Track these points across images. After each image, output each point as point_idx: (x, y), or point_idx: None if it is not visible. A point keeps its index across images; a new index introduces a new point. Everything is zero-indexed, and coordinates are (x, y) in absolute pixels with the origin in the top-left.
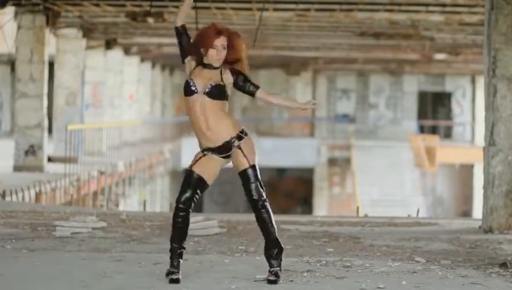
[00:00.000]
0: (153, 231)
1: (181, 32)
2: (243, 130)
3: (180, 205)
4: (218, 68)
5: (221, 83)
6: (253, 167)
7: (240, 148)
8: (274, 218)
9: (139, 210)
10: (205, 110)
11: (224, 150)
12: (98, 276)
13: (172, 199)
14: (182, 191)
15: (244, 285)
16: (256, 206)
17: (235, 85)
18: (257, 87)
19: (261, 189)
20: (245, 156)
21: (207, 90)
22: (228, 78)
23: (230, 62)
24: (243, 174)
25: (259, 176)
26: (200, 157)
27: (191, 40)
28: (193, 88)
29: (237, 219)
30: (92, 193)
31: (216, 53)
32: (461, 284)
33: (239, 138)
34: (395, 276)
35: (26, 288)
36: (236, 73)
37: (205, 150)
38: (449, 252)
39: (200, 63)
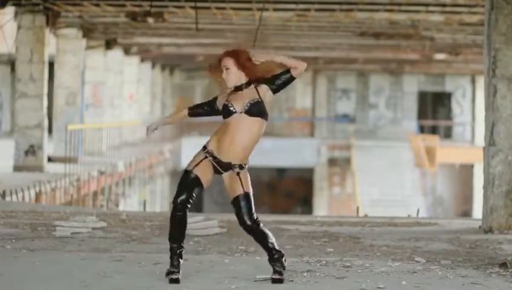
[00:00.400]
0: (153, 231)
1: (195, 113)
2: (246, 163)
3: (178, 206)
4: (251, 87)
5: (259, 99)
6: (248, 194)
7: (238, 175)
8: (268, 231)
9: (139, 210)
10: (241, 127)
11: (223, 167)
12: (98, 276)
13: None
14: (180, 192)
15: (244, 285)
16: (248, 231)
17: (275, 88)
18: (288, 71)
19: (252, 215)
20: (242, 184)
21: (246, 108)
22: (264, 91)
23: (259, 77)
24: (237, 199)
25: (252, 202)
26: (201, 161)
27: None
28: (231, 108)
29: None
30: (92, 193)
31: (223, 75)
32: (461, 284)
33: (240, 167)
34: (395, 276)
35: (26, 288)
36: (267, 80)
37: (208, 153)
38: (449, 252)
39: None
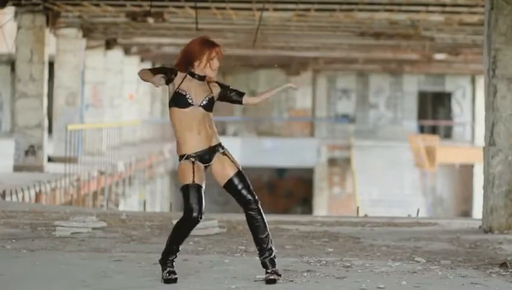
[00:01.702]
0: (153, 231)
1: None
2: (220, 143)
3: (195, 219)
4: (204, 80)
5: (212, 96)
6: (240, 171)
7: (225, 154)
8: (267, 222)
9: (139, 210)
10: (198, 120)
11: (208, 154)
12: (98, 276)
13: (173, 199)
14: (193, 205)
15: (244, 285)
16: (250, 208)
17: (223, 96)
18: (242, 95)
19: (251, 189)
20: (233, 161)
21: (204, 103)
22: (216, 90)
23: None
24: (235, 178)
25: (248, 178)
26: (193, 169)
27: (183, 53)
28: (190, 100)
29: (237, 219)
30: (92, 193)
31: (215, 64)
32: (461, 284)
33: (222, 147)
34: (395, 276)
35: (26, 288)
36: (222, 85)
37: (191, 156)
38: (449, 252)
39: (188, 74)
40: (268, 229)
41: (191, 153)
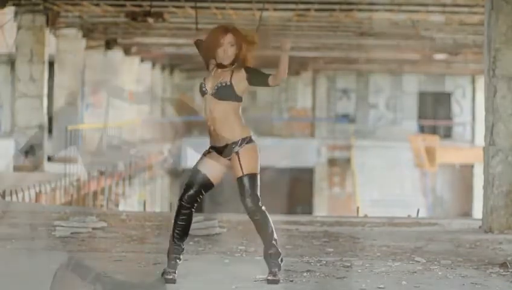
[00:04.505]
0: (153, 231)
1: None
2: (248, 136)
3: (183, 203)
4: (229, 68)
5: (228, 82)
6: (249, 175)
7: (237, 154)
8: (271, 222)
9: (139, 210)
10: (213, 110)
11: (225, 152)
12: (98, 276)
13: (173, 199)
14: (186, 189)
15: (244, 285)
16: (249, 213)
17: (250, 81)
18: (268, 76)
19: (255, 197)
20: (240, 164)
21: (213, 91)
22: (239, 77)
23: (243, 59)
24: (238, 181)
25: (256, 184)
26: (206, 156)
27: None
28: (204, 89)
29: (237, 219)
30: (92, 193)
31: (223, 51)
32: (461, 284)
33: (241, 143)
34: (395, 276)
35: (26, 288)
36: (249, 70)
37: (211, 148)
38: (449, 252)
39: (217, 65)
40: (269, 230)
41: (210, 145)
